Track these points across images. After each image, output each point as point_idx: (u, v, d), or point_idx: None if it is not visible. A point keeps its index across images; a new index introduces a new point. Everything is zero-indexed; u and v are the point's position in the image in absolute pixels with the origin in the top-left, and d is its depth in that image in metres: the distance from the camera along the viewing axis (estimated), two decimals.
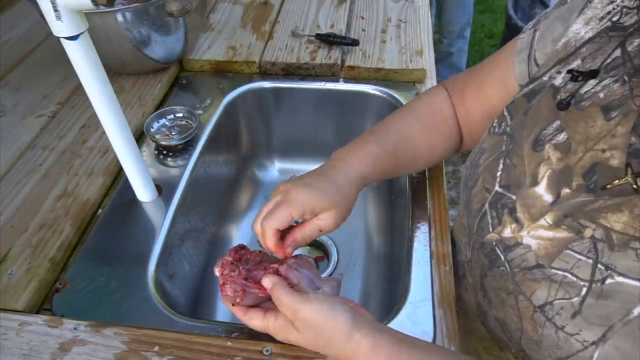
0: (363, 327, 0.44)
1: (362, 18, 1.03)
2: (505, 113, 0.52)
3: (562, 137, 0.43)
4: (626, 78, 0.39)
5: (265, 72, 0.93)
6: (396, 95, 0.88)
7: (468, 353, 0.62)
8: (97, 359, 0.51)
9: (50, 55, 0.96)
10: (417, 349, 0.44)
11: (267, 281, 0.47)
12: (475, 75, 0.62)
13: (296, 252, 0.53)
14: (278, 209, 0.50)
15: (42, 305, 0.59)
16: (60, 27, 0.49)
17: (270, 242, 0.50)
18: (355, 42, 0.93)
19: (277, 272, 0.49)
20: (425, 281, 0.59)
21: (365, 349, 0.43)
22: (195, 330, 0.55)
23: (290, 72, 0.93)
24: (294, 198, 0.50)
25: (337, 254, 0.88)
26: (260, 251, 0.54)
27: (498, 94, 0.58)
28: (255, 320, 0.47)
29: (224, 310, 0.81)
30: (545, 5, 2.09)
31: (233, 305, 0.49)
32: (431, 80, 0.91)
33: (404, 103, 0.86)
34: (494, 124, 0.53)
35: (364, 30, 0.99)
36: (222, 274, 0.49)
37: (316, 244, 0.90)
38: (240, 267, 0.49)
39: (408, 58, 0.91)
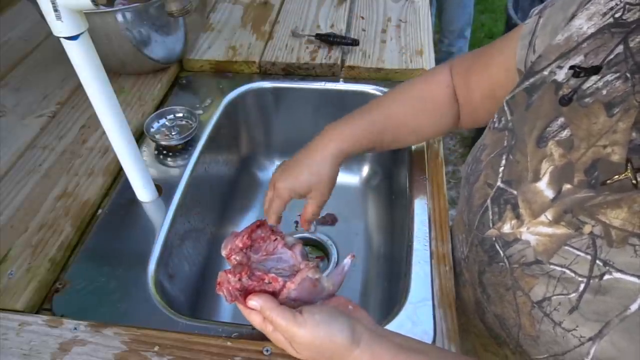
0: (362, 339, 0.43)
1: (362, 18, 1.03)
2: (506, 108, 0.52)
3: (565, 133, 0.43)
4: (628, 75, 0.40)
5: (265, 72, 0.93)
6: None
7: (466, 352, 0.62)
8: (97, 359, 0.51)
9: (50, 55, 0.96)
10: (417, 353, 0.43)
11: (254, 303, 0.45)
12: (482, 56, 0.62)
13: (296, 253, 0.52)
14: (273, 204, 0.63)
15: (42, 305, 0.59)
16: (60, 27, 0.49)
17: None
18: (355, 42, 0.93)
19: (274, 294, 0.47)
20: (425, 281, 0.59)
21: (368, 358, 0.42)
22: (195, 330, 0.55)
23: (290, 72, 0.93)
24: (280, 191, 0.62)
25: (337, 254, 0.88)
26: (275, 237, 0.51)
27: (500, 78, 0.58)
28: (255, 320, 0.46)
29: (224, 310, 0.81)
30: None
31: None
32: None
33: None
34: (495, 119, 0.53)
35: (364, 30, 0.99)
36: (229, 258, 0.47)
37: (316, 244, 0.90)
38: (241, 272, 0.46)
39: (408, 58, 0.91)
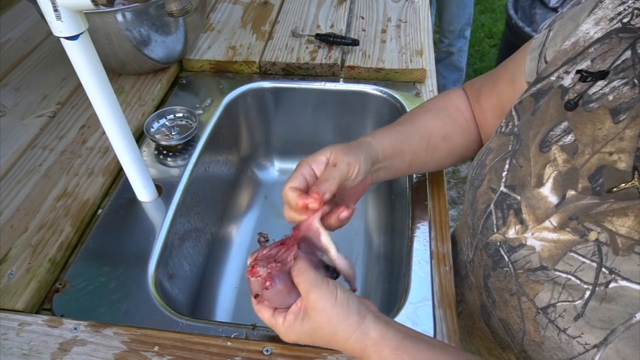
0: (368, 316, 0.44)
1: (362, 18, 1.03)
2: (513, 113, 0.52)
3: (569, 138, 0.43)
4: (636, 81, 0.39)
5: (265, 72, 0.93)
6: (396, 95, 0.88)
7: (471, 353, 0.62)
8: (97, 359, 0.51)
9: (50, 55, 0.96)
10: (424, 342, 0.43)
11: (296, 252, 0.46)
12: (492, 74, 0.62)
13: None
14: (294, 171, 0.50)
15: (42, 305, 0.59)
16: (60, 27, 0.49)
17: (291, 199, 0.47)
18: (355, 42, 0.93)
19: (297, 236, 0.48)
20: (425, 281, 0.59)
21: (374, 337, 0.42)
22: (195, 330, 0.55)
23: (290, 72, 0.93)
24: (308, 157, 0.51)
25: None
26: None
27: (506, 93, 0.58)
28: (265, 314, 0.46)
29: (224, 310, 0.81)
30: (545, 5, 2.09)
31: (256, 297, 0.47)
32: (431, 80, 0.91)
33: (404, 103, 0.86)
34: (502, 124, 0.53)
35: (364, 30, 0.99)
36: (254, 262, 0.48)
37: None
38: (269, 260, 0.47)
39: (408, 58, 0.91)
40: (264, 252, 0.48)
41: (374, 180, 0.57)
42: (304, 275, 0.44)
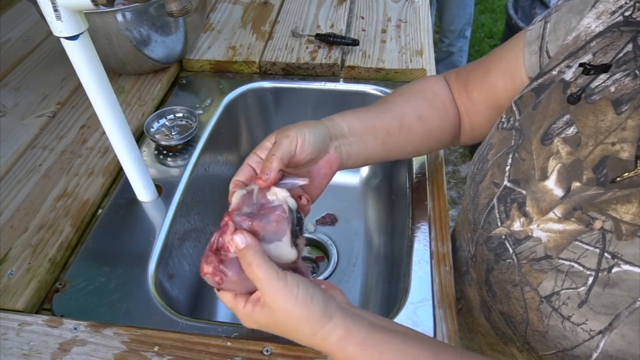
0: (336, 314, 0.40)
1: (362, 18, 1.03)
2: (514, 108, 0.52)
3: (571, 130, 0.43)
4: (637, 72, 0.40)
5: (265, 72, 0.93)
6: None
7: (472, 351, 0.62)
8: (97, 359, 0.51)
9: (50, 55, 0.96)
10: (392, 332, 0.41)
11: (240, 239, 0.41)
12: (480, 65, 0.61)
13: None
14: (242, 164, 0.53)
15: (42, 305, 0.59)
16: (60, 27, 0.49)
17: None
18: (355, 42, 0.93)
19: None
20: (425, 281, 0.59)
21: (340, 334, 0.39)
22: (195, 330, 0.55)
23: (290, 72, 0.93)
24: (256, 147, 0.53)
25: (337, 254, 0.88)
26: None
27: (503, 85, 0.57)
28: (226, 298, 0.44)
29: (224, 310, 0.81)
30: (546, 5, 2.09)
31: (218, 290, 0.44)
32: None
33: None
34: (503, 119, 0.53)
35: (364, 30, 0.99)
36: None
37: (316, 244, 0.90)
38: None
39: (408, 58, 0.91)
40: (207, 247, 0.44)
41: (342, 156, 0.55)
42: (255, 272, 0.39)
